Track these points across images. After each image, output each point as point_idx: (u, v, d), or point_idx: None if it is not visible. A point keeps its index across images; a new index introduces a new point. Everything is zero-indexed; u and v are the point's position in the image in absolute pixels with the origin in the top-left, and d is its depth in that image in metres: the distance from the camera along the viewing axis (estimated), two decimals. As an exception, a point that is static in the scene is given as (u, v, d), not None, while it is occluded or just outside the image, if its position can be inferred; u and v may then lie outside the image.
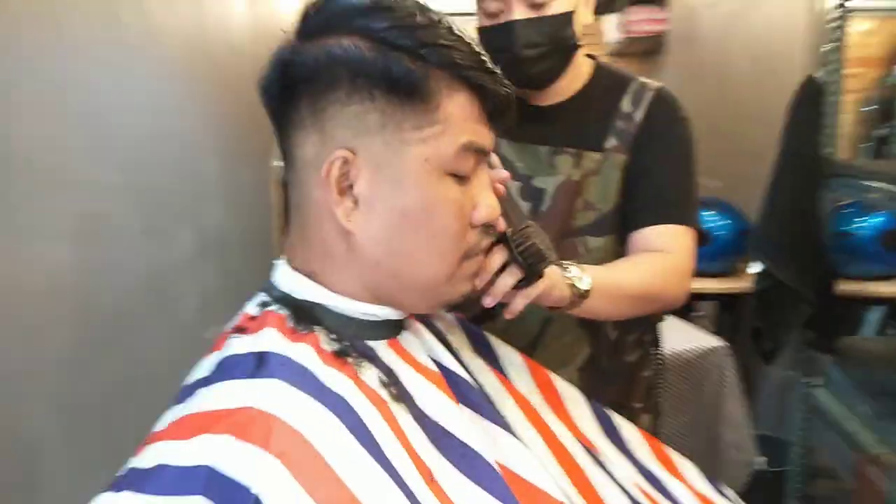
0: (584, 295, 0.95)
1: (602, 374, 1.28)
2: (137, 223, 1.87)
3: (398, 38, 0.64)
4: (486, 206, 0.73)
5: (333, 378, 0.64)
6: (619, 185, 1.21)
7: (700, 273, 2.79)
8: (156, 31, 2.11)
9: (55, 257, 1.54)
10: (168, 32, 2.17)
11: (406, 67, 0.64)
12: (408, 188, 0.67)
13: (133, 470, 0.60)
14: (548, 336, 1.25)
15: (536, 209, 1.23)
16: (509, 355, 0.98)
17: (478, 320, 1.28)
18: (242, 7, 2.87)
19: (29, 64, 1.57)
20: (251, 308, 0.73)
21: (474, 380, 0.83)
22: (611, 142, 1.21)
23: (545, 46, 1.13)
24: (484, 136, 0.71)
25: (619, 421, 1.02)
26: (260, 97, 0.71)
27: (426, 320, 0.86)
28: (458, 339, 0.92)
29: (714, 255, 2.80)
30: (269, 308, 0.70)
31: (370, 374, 0.68)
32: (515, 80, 1.23)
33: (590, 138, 1.21)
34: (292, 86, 0.67)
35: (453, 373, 0.78)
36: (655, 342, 1.40)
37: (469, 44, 0.68)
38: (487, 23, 1.15)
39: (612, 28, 5.00)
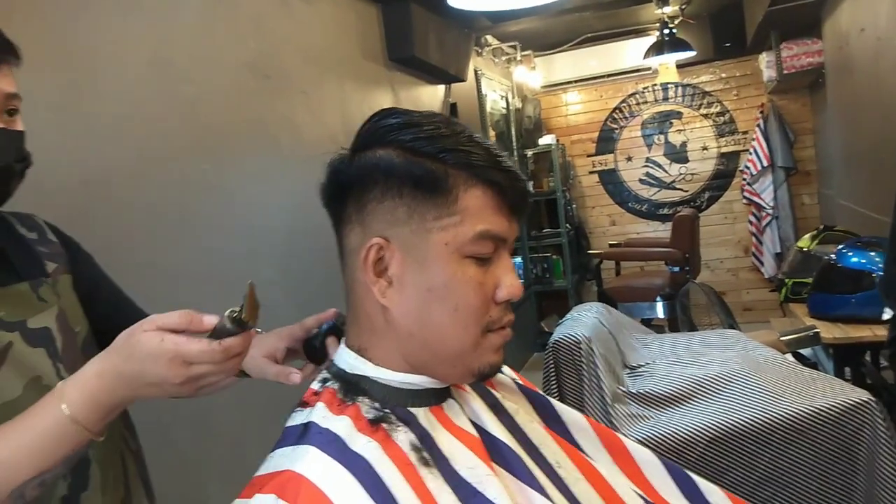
0: None
1: None
2: (293, 312, 2.12)
3: (423, 147, 0.76)
4: (508, 286, 0.80)
5: (362, 444, 0.72)
6: (78, 304, 1.08)
7: (868, 319, 2.57)
8: (305, 139, 2.42)
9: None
10: (313, 140, 2.47)
11: (427, 169, 0.75)
12: (431, 268, 0.76)
13: None
14: None
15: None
16: (576, 420, 0.98)
17: None
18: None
19: (204, 180, 1.89)
20: (315, 384, 0.83)
21: (527, 443, 0.90)
22: (50, 265, 1.06)
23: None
24: (501, 225, 0.78)
25: (706, 486, 1.01)
26: (320, 199, 0.84)
27: (482, 388, 0.91)
28: (518, 406, 0.98)
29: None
30: (327, 384, 0.81)
31: (403, 439, 0.75)
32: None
33: (31, 266, 1.03)
34: (341, 189, 0.80)
35: (495, 437, 0.82)
36: None
37: (486, 148, 0.78)
38: None
39: (767, 66, 4.82)
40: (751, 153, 5.32)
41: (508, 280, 0.80)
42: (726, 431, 1.78)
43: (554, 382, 2.00)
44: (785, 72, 4.37)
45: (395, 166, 0.76)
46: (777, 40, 4.37)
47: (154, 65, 1.73)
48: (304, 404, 0.82)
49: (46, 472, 0.76)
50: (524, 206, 0.81)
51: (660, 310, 4.29)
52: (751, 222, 5.45)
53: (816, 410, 1.77)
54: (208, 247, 1.85)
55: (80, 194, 1.45)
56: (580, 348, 1.96)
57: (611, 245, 5.15)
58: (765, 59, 4.82)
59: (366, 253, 0.77)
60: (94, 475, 0.96)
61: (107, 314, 1.10)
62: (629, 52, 5.42)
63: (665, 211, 5.68)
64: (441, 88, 3.90)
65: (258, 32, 2.18)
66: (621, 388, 1.96)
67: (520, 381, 1.02)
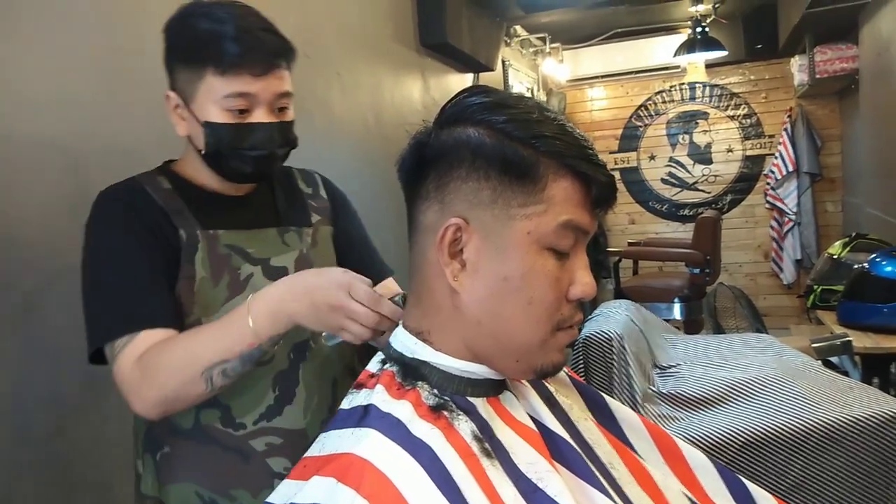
0: None
1: None
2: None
3: (514, 130, 0.74)
4: (583, 284, 0.77)
5: (425, 431, 0.71)
6: (334, 253, 1.29)
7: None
8: (337, 120, 2.39)
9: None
10: (348, 121, 2.45)
11: (518, 153, 0.73)
12: (510, 256, 0.74)
13: None
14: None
15: None
16: (629, 419, 0.95)
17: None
18: (417, 94, 3.15)
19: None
20: (372, 365, 0.82)
21: (582, 440, 0.88)
22: (315, 217, 1.28)
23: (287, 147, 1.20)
24: (584, 218, 0.76)
25: (758, 492, 0.99)
26: (397, 172, 0.82)
27: (536, 381, 0.88)
28: (572, 402, 0.95)
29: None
30: (385, 366, 0.80)
31: (465, 428, 0.73)
32: (246, 176, 1.15)
33: (297, 216, 1.26)
34: (424, 163, 0.78)
35: (553, 432, 0.80)
36: None
37: (577, 138, 0.76)
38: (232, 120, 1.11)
39: (799, 70, 4.76)
40: (776, 157, 5.26)
41: (584, 277, 0.78)
42: (759, 436, 1.74)
43: (582, 379, 1.97)
44: (817, 76, 4.31)
45: (486, 146, 0.74)
46: (811, 44, 4.32)
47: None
48: (360, 386, 0.80)
49: (227, 361, 0.98)
50: (610, 201, 0.79)
51: (677, 311, 4.24)
52: (772, 227, 5.40)
53: (853, 420, 1.72)
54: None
55: (119, 163, 1.42)
56: (612, 346, 1.92)
57: (630, 244, 5.10)
58: (797, 63, 4.75)
59: (443, 232, 0.75)
60: (300, 395, 1.14)
61: (353, 269, 1.16)
62: (658, 50, 5.36)
63: (686, 212, 5.63)
64: (469, 77, 3.87)
65: (300, 8, 2.15)
66: (652, 388, 1.93)
67: (571, 376, 1.00)
